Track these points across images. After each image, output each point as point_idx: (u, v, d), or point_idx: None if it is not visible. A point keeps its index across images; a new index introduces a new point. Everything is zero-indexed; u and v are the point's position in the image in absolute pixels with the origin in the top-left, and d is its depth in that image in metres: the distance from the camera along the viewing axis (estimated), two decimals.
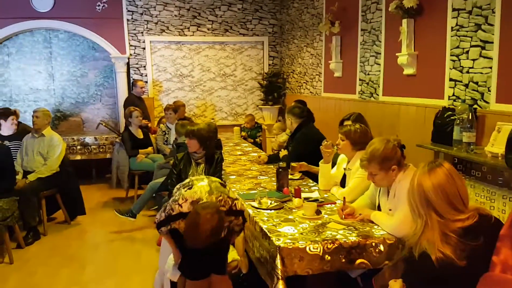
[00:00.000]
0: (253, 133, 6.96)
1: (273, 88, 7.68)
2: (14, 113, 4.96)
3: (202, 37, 7.63)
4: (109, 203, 5.89)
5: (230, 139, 6.34)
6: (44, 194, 4.69)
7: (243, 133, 6.89)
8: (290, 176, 3.74)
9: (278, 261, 2.34)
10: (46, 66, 7.24)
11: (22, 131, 5.04)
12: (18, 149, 4.77)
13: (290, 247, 2.36)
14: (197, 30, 7.60)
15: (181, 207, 2.41)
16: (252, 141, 6.70)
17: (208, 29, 7.65)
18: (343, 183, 3.31)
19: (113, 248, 4.38)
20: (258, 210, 2.95)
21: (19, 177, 4.53)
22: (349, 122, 3.71)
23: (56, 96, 7.35)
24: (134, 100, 6.52)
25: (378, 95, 4.68)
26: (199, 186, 2.44)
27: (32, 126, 4.95)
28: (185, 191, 2.45)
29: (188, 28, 7.56)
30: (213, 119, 6.98)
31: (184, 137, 3.62)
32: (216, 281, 2.58)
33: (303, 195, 3.18)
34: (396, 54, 4.11)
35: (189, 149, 3.59)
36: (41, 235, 4.65)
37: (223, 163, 3.87)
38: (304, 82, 6.97)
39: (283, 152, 4.42)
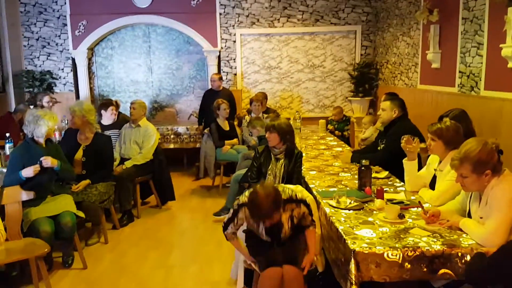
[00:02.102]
0: (341, 126, 6.78)
1: (364, 79, 7.40)
2: (114, 104, 5.37)
3: (291, 28, 7.58)
4: (197, 191, 6.16)
5: (315, 132, 6.24)
6: (138, 180, 5.04)
7: (330, 126, 6.75)
8: (375, 175, 3.59)
9: (352, 266, 2.26)
10: (145, 60, 7.71)
11: (121, 120, 5.44)
12: (116, 138, 5.16)
13: (366, 252, 2.26)
14: (287, 21, 7.56)
15: (239, 200, 2.68)
16: (339, 135, 6.54)
17: (298, 20, 7.57)
18: (433, 185, 3.08)
19: (198, 235, 4.58)
20: (336, 209, 2.86)
21: (116, 163, 4.89)
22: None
23: (153, 88, 7.81)
24: (208, 95, 6.66)
25: (479, 89, 4.26)
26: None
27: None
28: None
29: (278, 19, 7.55)
30: (297, 111, 6.91)
31: (265, 131, 3.62)
32: (288, 271, 2.64)
33: (387, 196, 3.02)
34: (500, 45, 3.70)
35: (270, 143, 3.57)
36: (135, 217, 5.02)
37: (302, 158, 3.81)
38: (398, 73, 6.60)
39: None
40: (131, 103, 5.18)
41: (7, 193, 3.29)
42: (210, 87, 6.98)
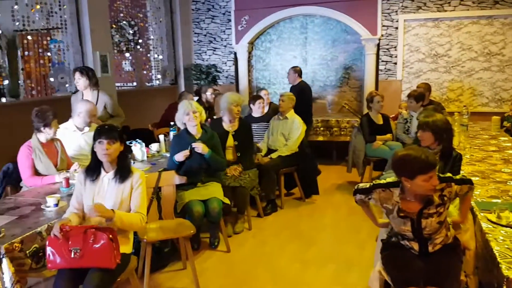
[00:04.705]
0: None
1: None
2: (262, 98, 5.52)
3: (464, 11, 6.74)
4: (343, 186, 5.95)
5: (487, 130, 5.42)
6: (283, 171, 5.09)
7: (507, 124, 5.81)
8: None
9: None
10: (301, 51, 7.74)
11: (271, 112, 5.56)
12: (264, 130, 5.30)
13: None
14: (460, 4, 6.74)
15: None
16: None
17: (473, 2, 6.68)
18: None
19: (338, 233, 4.41)
20: (495, 225, 2.40)
21: (262, 154, 5.04)
22: None
23: (307, 79, 7.70)
24: (303, 88, 6.28)
25: None
26: None
27: None
28: None
29: (449, 2, 6.79)
30: (465, 106, 6.09)
31: (417, 129, 3.24)
32: None
33: None
34: None
35: (422, 143, 3.19)
36: (279, 208, 5.09)
37: (463, 161, 3.32)
38: None
39: None
40: (280, 96, 5.25)
41: (164, 177, 3.62)
42: (368, 77, 6.65)
